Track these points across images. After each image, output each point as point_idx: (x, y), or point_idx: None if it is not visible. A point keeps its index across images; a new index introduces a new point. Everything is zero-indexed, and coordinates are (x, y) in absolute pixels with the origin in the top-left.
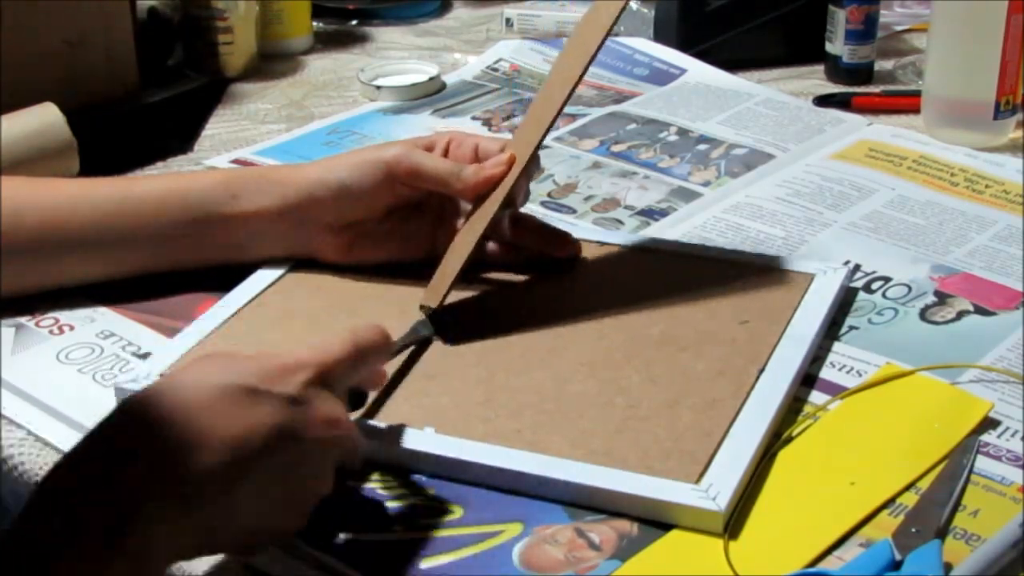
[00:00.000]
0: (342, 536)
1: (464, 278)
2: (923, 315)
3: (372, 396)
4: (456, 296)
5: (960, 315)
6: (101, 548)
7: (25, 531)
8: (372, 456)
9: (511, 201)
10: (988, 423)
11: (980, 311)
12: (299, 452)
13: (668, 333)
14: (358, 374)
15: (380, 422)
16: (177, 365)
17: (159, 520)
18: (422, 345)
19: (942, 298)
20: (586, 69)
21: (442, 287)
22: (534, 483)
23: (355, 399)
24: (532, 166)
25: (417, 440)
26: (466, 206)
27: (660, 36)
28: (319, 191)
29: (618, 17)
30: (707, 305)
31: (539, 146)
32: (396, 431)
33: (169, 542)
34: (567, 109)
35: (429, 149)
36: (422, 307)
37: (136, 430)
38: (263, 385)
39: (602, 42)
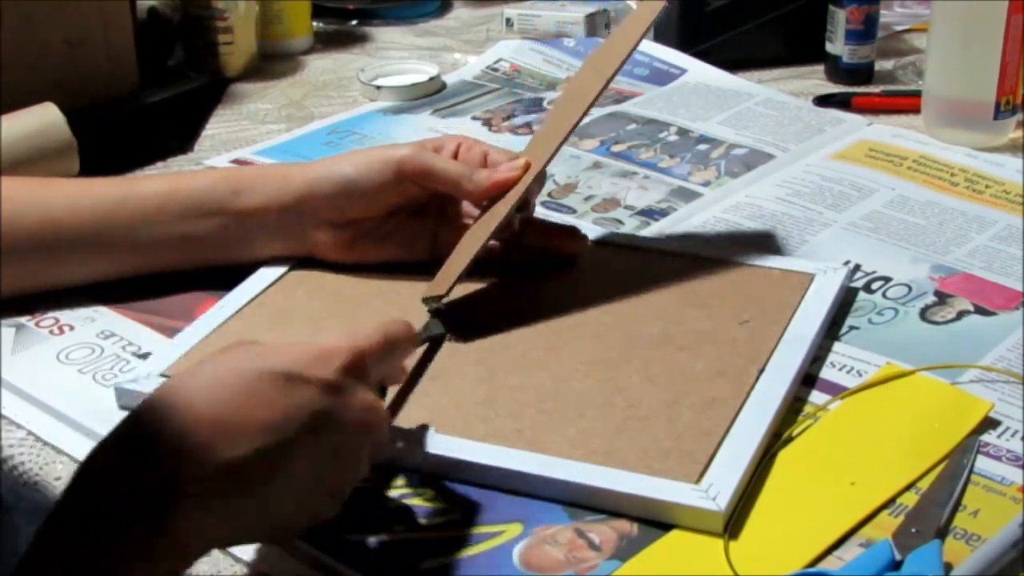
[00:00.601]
0: (342, 536)
1: (465, 277)
2: (923, 315)
3: (390, 395)
4: (456, 295)
5: (960, 315)
6: (140, 541)
7: (60, 526)
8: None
9: (524, 204)
10: (988, 423)
11: (980, 311)
12: (338, 438)
13: (668, 333)
14: (387, 366)
15: (398, 424)
16: (177, 365)
17: (197, 511)
18: (434, 345)
19: (942, 298)
20: (612, 78)
21: (447, 280)
22: (534, 483)
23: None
24: (543, 171)
25: None
26: (469, 209)
27: (660, 36)
28: (321, 186)
29: (653, 23)
30: (706, 305)
31: (555, 153)
32: (417, 434)
33: (206, 532)
34: None
35: (437, 151)
36: (425, 300)
37: (172, 419)
38: (300, 371)
39: (631, 51)
